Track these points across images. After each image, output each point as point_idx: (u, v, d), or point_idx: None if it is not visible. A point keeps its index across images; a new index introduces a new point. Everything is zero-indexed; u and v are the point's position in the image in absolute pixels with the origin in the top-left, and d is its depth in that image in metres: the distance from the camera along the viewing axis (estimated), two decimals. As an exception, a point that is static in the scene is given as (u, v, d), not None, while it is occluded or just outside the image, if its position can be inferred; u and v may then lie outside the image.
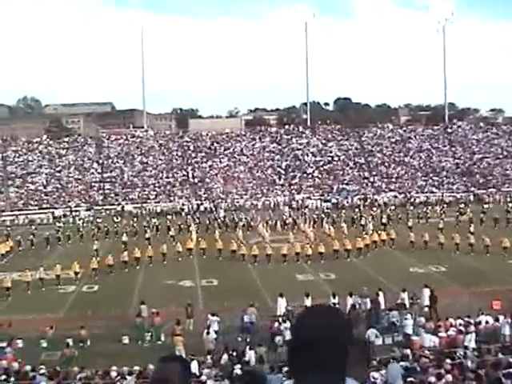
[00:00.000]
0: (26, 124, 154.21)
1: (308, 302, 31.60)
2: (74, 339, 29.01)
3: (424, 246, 50.35)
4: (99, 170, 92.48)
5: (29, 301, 38.88)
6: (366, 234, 54.39)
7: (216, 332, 28.94)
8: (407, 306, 31.43)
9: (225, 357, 24.30)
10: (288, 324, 28.11)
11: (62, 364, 25.79)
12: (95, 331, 30.35)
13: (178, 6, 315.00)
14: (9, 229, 64.13)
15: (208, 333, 28.12)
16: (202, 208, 79.52)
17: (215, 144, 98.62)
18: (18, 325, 30.47)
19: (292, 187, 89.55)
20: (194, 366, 24.81)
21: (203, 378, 20.22)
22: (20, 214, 78.32)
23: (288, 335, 27.69)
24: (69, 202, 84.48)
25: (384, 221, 61.59)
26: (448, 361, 19.42)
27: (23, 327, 30.35)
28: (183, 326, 30.14)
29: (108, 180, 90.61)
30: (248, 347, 24.49)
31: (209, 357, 24.56)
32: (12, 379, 21.14)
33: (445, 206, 73.24)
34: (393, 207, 72.13)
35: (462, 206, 71.08)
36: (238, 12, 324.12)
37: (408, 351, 21.95)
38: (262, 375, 5.08)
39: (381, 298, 32.24)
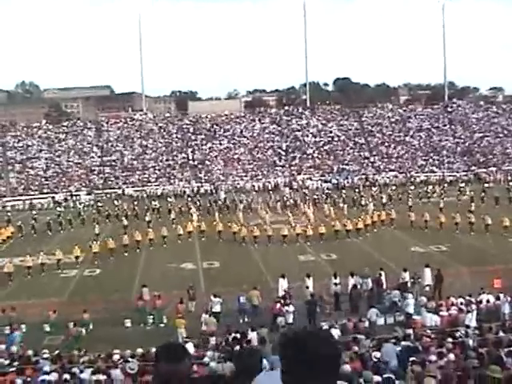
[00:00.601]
0: (25, 109, 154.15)
1: (309, 283, 31.70)
2: (77, 323, 29.14)
3: (425, 226, 50.36)
4: (99, 154, 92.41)
5: (30, 286, 39.01)
6: (367, 214, 54.44)
7: (219, 313, 29.02)
8: (409, 285, 31.47)
9: (228, 338, 24.35)
10: (291, 308, 28.13)
11: (69, 345, 25.98)
12: (97, 315, 30.41)
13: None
14: (10, 214, 64.11)
15: (209, 314, 28.20)
16: (202, 190, 79.49)
17: (215, 126, 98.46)
18: (20, 310, 30.55)
19: (292, 168, 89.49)
20: (190, 348, 24.99)
21: (206, 359, 20.24)
22: (20, 200, 78.32)
23: (291, 319, 27.79)
24: (69, 186, 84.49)
25: (384, 201, 61.60)
26: (449, 340, 19.48)
27: (25, 312, 30.39)
28: (185, 307, 30.26)
29: (108, 164, 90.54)
30: (250, 328, 24.51)
31: (213, 338, 24.58)
32: (15, 363, 21.19)
33: (445, 185, 73.22)
34: (393, 187, 72.06)
35: (463, 185, 71.00)
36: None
37: (410, 331, 22.01)
38: (259, 353, 5.06)
39: (382, 278, 32.32)
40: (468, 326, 22.44)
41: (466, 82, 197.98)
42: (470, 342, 19.50)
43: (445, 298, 28.92)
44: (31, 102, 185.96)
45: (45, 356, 22.13)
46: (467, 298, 27.12)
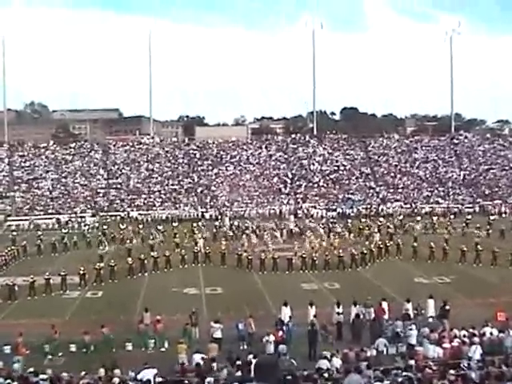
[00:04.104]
0: (33, 129, 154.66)
1: (312, 311, 31.64)
2: (78, 345, 29.13)
3: (429, 257, 50.29)
4: (105, 176, 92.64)
5: (33, 306, 38.99)
6: (371, 243, 54.39)
7: (220, 339, 28.92)
8: (411, 316, 31.35)
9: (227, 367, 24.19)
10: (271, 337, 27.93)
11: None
12: (99, 337, 30.32)
13: (186, 14, 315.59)
14: (14, 233, 64.27)
15: (210, 340, 28.15)
16: (207, 216, 79.48)
17: (221, 152, 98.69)
18: (23, 329, 30.48)
19: (297, 196, 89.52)
20: (199, 359, 24.87)
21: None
22: (25, 219, 78.47)
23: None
24: (74, 207, 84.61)
25: (390, 231, 61.52)
26: (452, 372, 19.34)
27: (27, 331, 30.31)
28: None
29: (114, 186, 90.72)
30: (252, 355, 24.30)
31: (214, 364, 24.44)
32: (15, 383, 21.08)
33: (451, 216, 73.01)
34: (400, 217, 71.92)
35: (469, 217, 70.79)
36: (246, 21, 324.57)
37: (412, 362, 21.88)
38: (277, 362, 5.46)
39: (385, 308, 32.23)
40: (471, 359, 22.28)
41: (472, 114, 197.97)
42: (473, 374, 19.36)
43: (448, 330, 28.78)
44: (39, 122, 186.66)
45: (44, 377, 22.01)
46: (470, 330, 26.97)
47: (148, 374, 22.35)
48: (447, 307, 31.95)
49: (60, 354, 28.94)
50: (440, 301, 32.84)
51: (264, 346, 27.48)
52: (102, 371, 22.74)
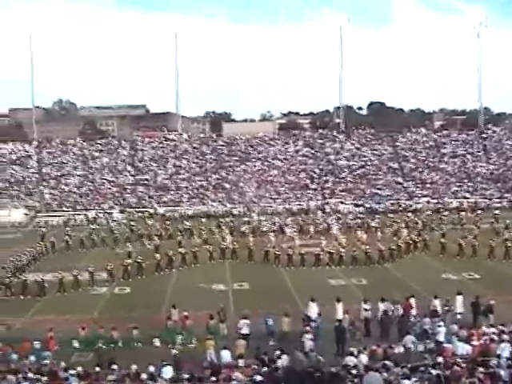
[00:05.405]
0: (61, 126, 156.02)
1: (340, 307, 31.55)
2: (106, 340, 29.34)
3: (458, 253, 49.92)
4: (133, 173, 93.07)
5: (62, 302, 39.35)
6: (399, 239, 54.09)
7: (247, 335, 28.91)
8: (439, 313, 31.14)
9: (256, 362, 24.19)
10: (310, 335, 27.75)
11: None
12: (127, 333, 30.47)
13: (212, 10, 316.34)
14: (43, 230, 64.84)
15: (239, 337, 28.17)
16: (235, 212, 79.51)
17: (248, 148, 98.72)
18: (50, 325, 30.73)
19: (325, 192, 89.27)
20: (226, 355, 24.95)
21: (233, 383, 20.18)
22: (54, 216, 79.09)
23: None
24: (102, 203, 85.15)
25: (418, 226, 61.13)
26: (481, 369, 19.20)
27: (56, 327, 30.56)
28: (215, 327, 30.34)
29: (141, 183, 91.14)
30: (280, 352, 24.26)
31: (241, 361, 24.45)
32: (44, 379, 21.31)
33: (479, 211, 72.29)
34: (428, 212, 71.39)
35: (498, 212, 70.08)
36: (272, 17, 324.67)
37: (440, 359, 21.74)
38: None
39: (413, 304, 32.05)
40: (500, 356, 22.08)
41: (501, 108, 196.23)
42: (502, 372, 19.21)
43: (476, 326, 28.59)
44: (67, 119, 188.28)
45: (73, 372, 22.21)
46: (500, 327, 26.71)
47: (168, 372, 22.62)
48: (492, 302, 31.49)
49: (88, 350, 29.11)
50: (469, 297, 32.53)
51: (302, 343, 27.23)
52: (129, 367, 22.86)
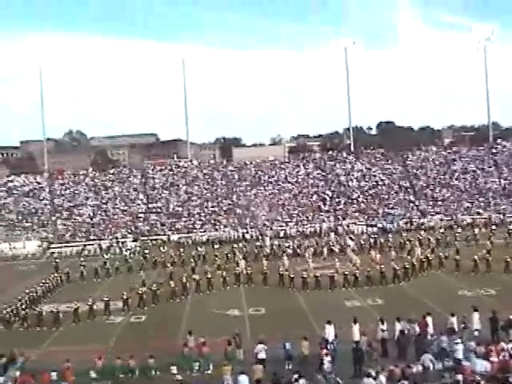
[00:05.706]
0: (72, 157, 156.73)
1: (356, 328, 31.43)
2: (123, 369, 29.28)
3: (472, 269, 49.68)
4: (145, 201, 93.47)
5: (77, 332, 39.33)
6: (413, 258, 53.90)
7: (264, 360, 28.80)
8: (456, 330, 30.94)
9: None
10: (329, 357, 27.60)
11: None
12: (143, 361, 30.41)
13: (218, 38, 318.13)
14: (57, 261, 65.02)
15: (256, 362, 28.05)
16: (247, 236, 79.51)
17: (259, 172, 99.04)
18: (67, 356, 30.67)
19: (337, 213, 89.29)
20: (244, 380, 24.81)
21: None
22: (68, 246, 79.35)
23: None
24: (115, 233, 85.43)
25: (432, 244, 60.95)
26: (501, 386, 19.09)
27: (72, 358, 30.51)
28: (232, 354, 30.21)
29: (154, 210, 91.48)
30: (297, 375, 24.15)
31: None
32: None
33: (493, 227, 71.98)
34: (441, 230, 71.18)
35: (511, 226, 69.76)
36: (279, 42, 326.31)
37: (459, 377, 21.61)
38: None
39: (429, 323, 31.87)
40: (519, 372, 21.94)
41: (510, 123, 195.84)
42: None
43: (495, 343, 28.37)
44: (78, 149, 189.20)
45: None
46: (518, 343, 26.53)
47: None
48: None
49: (105, 380, 29.06)
50: (485, 313, 32.30)
51: (321, 366, 27.05)
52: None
